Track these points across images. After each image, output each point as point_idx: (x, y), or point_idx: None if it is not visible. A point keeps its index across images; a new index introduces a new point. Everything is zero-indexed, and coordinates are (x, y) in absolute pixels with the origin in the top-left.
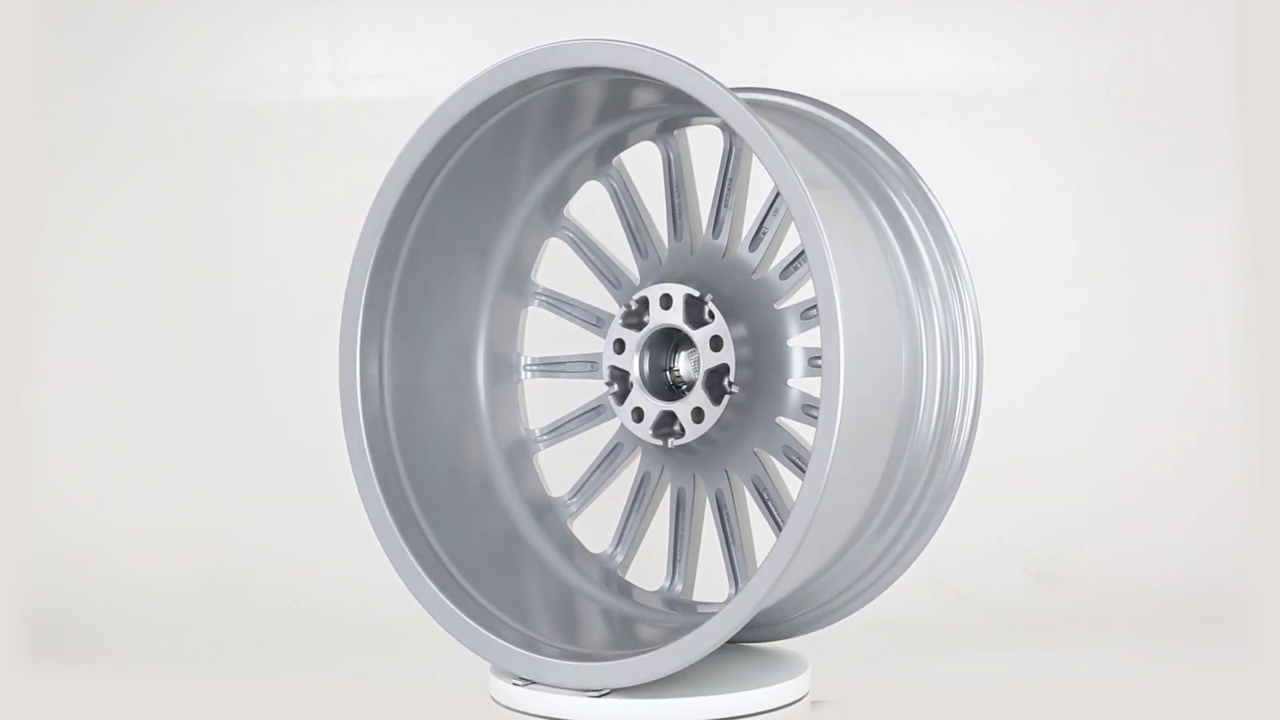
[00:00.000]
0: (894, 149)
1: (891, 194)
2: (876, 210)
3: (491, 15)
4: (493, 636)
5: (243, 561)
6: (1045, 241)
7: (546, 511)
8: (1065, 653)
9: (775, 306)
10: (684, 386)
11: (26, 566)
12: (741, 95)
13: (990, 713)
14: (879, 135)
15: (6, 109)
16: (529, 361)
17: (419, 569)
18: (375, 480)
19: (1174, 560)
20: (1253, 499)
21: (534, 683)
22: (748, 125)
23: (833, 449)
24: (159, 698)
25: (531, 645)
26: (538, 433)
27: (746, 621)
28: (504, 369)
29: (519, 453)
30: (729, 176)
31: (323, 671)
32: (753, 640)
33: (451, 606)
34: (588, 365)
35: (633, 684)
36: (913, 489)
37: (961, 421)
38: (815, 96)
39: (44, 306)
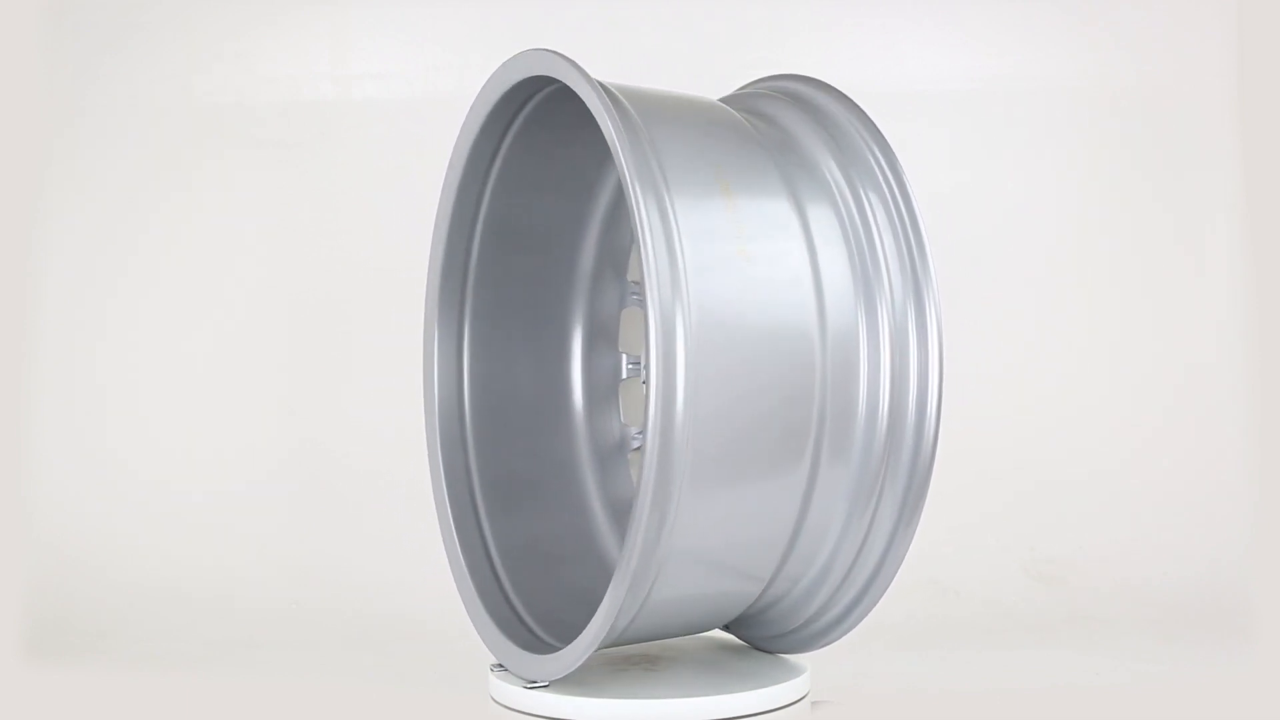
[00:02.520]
0: (878, 142)
1: (862, 192)
2: (809, 209)
3: (492, 15)
4: (502, 635)
5: (243, 561)
6: (1045, 241)
7: (627, 512)
8: (1065, 653)
9: None
10: None
11: (27, 567)
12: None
13: (990, 713)
14: (873, 134)
15: (6, 109)
16: (631, 361)
17: (464, 565)
18: (443, 471)
19: (1174, 560)
20: (1254, 499)
21: (538, 684)
22: (592, 100)
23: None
24: (159, 698)
25: (530, 645)
26: (634, 430)
27: (604, 631)
28: (604, 368)
29: (615, 453)
30: None
31: (322, 672)
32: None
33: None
34: None
35: (534, 677)
36: (872, 492)
37: (921, 420)
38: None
39: (43, 306)
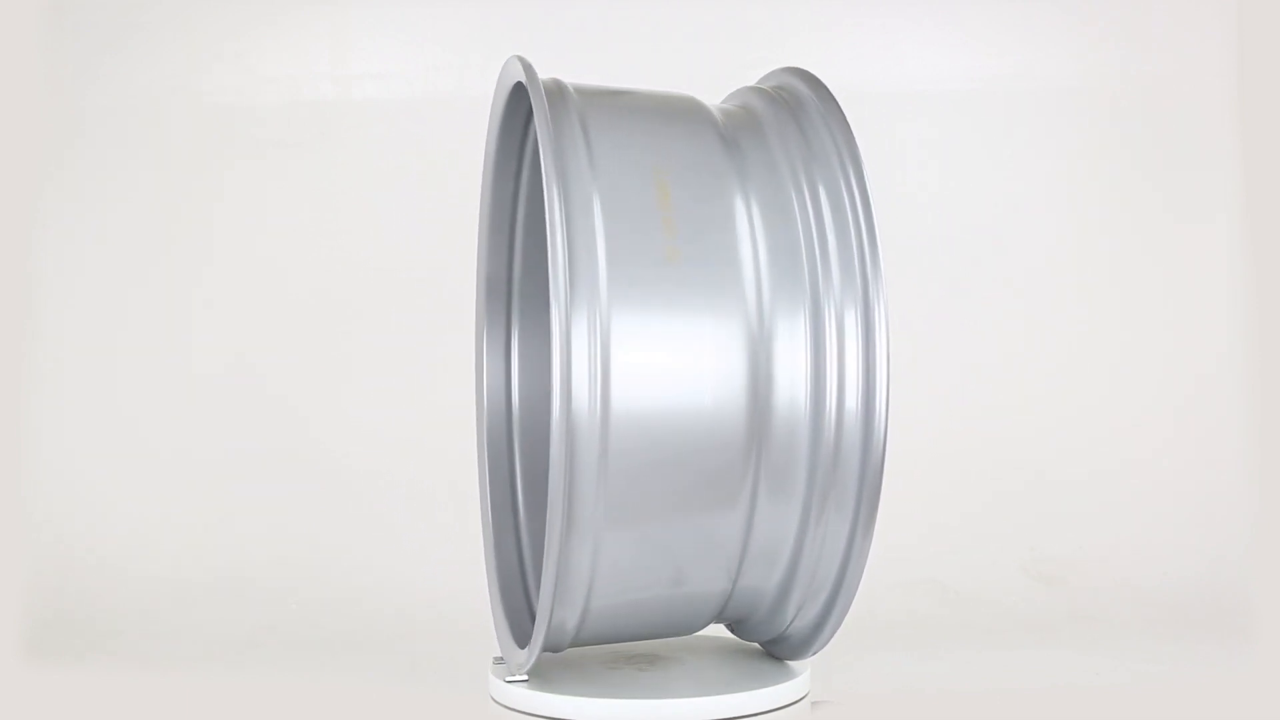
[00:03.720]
0: (846, 142)
1: (821, 194)
2: (756, 210)
3: (492, 15)
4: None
5: (243, 561)
6: (1045, 241)
7: None
8: (1065, 653)
9: None
10: None
11: (27, 566)
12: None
13: (990, 713)
14: (843, 132)
15: (6, 109)
16: None
17: (495, 563)
18: (488, 473)
19: (1174, 560)
20: (1254, 498)
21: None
22: (535, 94)
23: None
24: (159, 697)
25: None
26: None
27: (541, 636)
28: None
29: None
30: None
31: (322, 671)
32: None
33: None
34: None
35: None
36: (822, 505)
37: (868, 429)
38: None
39: (43, 306)
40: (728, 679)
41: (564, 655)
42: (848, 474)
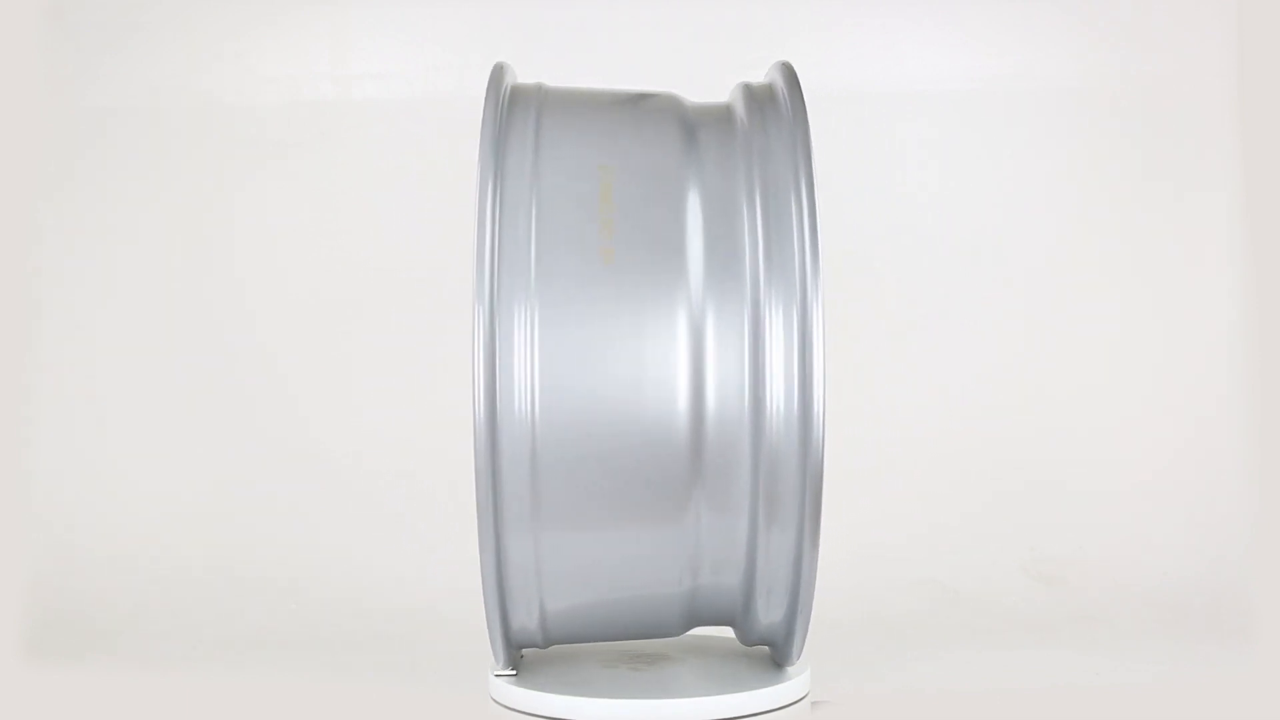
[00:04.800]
0: (802, 142)
1: (772, 196)
2: (706, 214)
3: (492, 15)
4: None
5: (243, 561)
6: (1045, 241)
7: None
8: (1065, 653)
9: None
10: None
11: (27, 566)
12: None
13: (990, 713)
14: (800, 130)
15: (6, 109)
16: None
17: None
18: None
19: (1174, 560)
20: (1254, 498)
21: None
22: (488, 97)
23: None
24: (159, 697)
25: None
26: None
27: (499, 642)
28: None
29: None
30: None
31: (323, 671)
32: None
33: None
34: None
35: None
36: (773, 485)
37: (806, 437)
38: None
39: (45, 306)
40: (728, 679)
41: (564, 655)
42: (788, 473)
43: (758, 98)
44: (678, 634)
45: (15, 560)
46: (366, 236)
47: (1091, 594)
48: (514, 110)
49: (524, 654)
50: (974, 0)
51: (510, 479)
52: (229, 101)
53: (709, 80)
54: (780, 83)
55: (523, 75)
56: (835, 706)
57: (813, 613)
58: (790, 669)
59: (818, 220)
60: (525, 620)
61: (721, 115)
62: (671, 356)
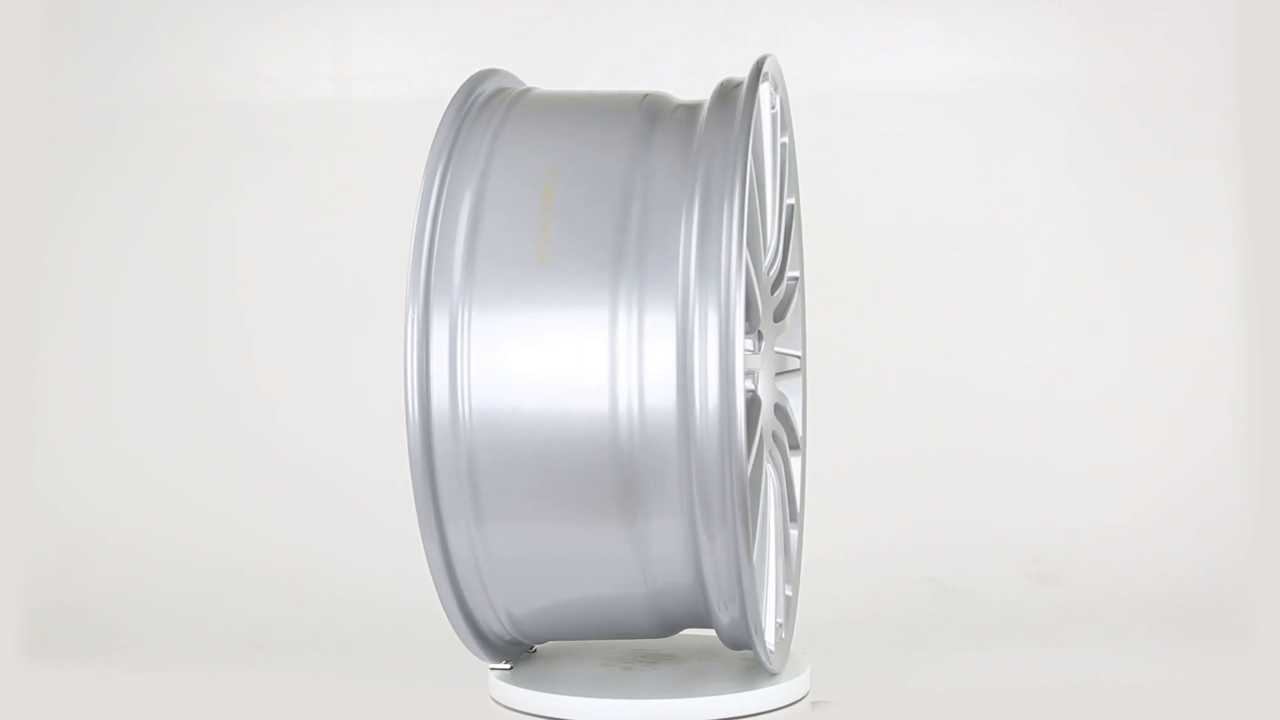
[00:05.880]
0: (741, 138)
1: (716, 197)
2: (648, 217)
3: (492, 15)
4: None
5: (243, 561)
6: (1045, 241)
7: None
8: (1065, 653)
9: None
10: None
11: (27, 566)
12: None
13: (990, 713)
14: (742, 135)
15: (6, 109)
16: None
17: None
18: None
19: (1174, 560)
20: (1254, 499)
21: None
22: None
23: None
24: (159, 697)
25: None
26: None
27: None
28: None
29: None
30: None
31: (322, 672)
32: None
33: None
34: None
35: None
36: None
37: (729, 428)
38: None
39: (46, 305)
40: (727, 679)
41: (564, 655)
42: (714, 476)
43: (726, 95)
44: (662, 635)
45: (16, 560)
46: (366, 236)
47: (1091, 594)
48: (480, 116)
49: (535, 650)
50: (974, 0)
51: (448, 478)
52: (229, 101)
53: (709, 80)
54: (746, 79)
55: (523, 76)
56: (835, 706)
57: (808, 615)
58: (788, 670)
59: (744, 220)
60: (488, 615)
61: (688, 115)
62: (600, 357)
